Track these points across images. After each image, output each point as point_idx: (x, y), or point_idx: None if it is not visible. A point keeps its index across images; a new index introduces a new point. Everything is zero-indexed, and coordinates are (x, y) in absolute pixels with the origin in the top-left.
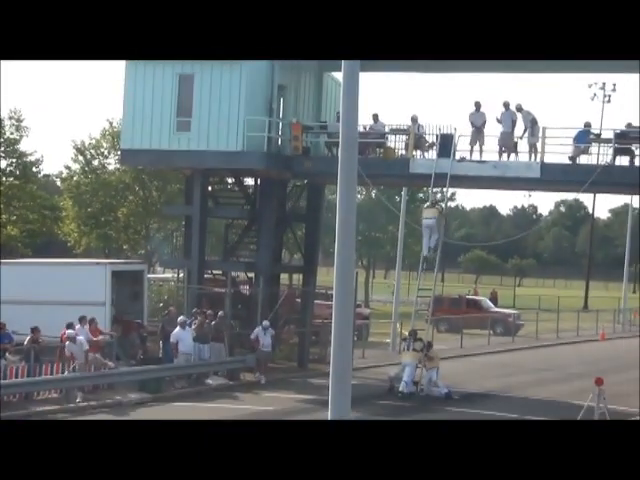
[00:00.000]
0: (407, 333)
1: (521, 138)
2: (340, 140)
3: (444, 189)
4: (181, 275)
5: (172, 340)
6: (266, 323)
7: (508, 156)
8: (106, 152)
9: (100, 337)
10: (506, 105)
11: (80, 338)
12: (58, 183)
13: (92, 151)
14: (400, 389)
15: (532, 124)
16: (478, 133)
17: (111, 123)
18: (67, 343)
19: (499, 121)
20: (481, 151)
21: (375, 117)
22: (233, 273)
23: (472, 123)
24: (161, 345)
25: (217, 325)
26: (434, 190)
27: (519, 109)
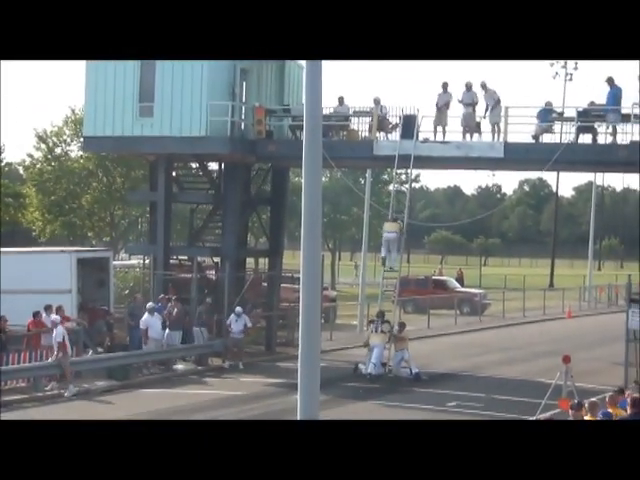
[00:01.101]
0: (375, 315)
1: (484, 117)
2: (304, 123)
3: (408, 170)
4: (147, 261)
5: (142, 326)
6: (238, 309)
7: (471, 136)
8: (69, 139)
9: (67, 325)
10: (468, 86)
11: (60, 327)
12: (21, 171)
13: (54, 139)
14: (368, 371)
15: (496, 103)
16: (440, 113)
17: (73, 110)
18: (55, 332)
19: (461, 101)
20: (444, 132)
21: (340, 100)
22: (199, 258)
23: (437, 104)
24: (128, 332)
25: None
26: (398, 171)
27: (483, 87)
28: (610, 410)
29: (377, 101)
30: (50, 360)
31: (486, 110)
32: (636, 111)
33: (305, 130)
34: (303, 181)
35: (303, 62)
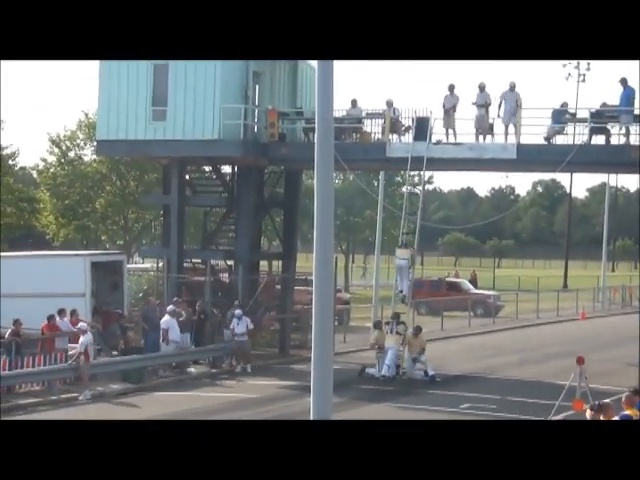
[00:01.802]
0: (390, 317)
1: (498, 116)
2: (316, 125)
3: (421, 172)
4: (160, 265)
5: (163, 326)
6: (238, 312)
7: (484, 138)
8: (82, 143)
9: (78, 325)
10: (481, 87)
11: (87, 335)
12: (35, 175)
13: (68, 143)
14: (382, 373)
15: (518, 106)
16: (448, 116)
17: (86, 114)
18: (82, 339)
19: (474, 103)
20: (455, 134)
21: (354, 102)
22: (212, 261)
23: (443, 106)
24: (142, 335)
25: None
26: (411, 173)
27: (512, 88)
28: (628, 412)
29: (390, 103)
30: (69, 363)
31: (498, 107)
32: None
33: (317, 132)
34: (315, 183)
35: (315, 64)
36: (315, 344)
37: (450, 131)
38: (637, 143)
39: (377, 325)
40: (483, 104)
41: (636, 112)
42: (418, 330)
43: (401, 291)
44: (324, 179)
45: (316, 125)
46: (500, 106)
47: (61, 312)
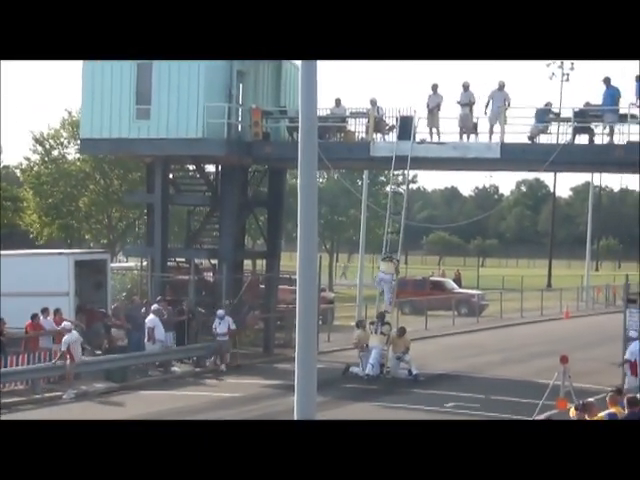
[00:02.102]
0: (375, 317)
1: (485, 114)
2: (300, 124)
3: (405, 171)
4: (144, 263)
5: (149, 325)
6: (220, 312)
7: (468, 137)
8: (66, 142)
9: (62, 325)
10: (465, 86)
11: (71, 334)
12: (18, 174)
13: (51, 141)
14: (366, 372)
15: (507, 105)
16: (432, 115)
17: (70, 113)
18: (65, 337)
19: (459, 102)
20: (438, 133)
21: (337, 101)
22: (196, 260)
23: (427, 105)
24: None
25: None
26: (395, 173)
27: (501, 87)
28: (613, 410)
29: (374, 102)
30: (53, 362)
31: (486, 106)
32: (632, 111)
33: (300, 131)
34: (299, 182)
35: (299, 63)
36: (299, 343)
37: (434, 130)
38: (621, 142)
39: (359, 324)
40: (467, 103)
41: (621, 111)
42: (402, 331)
43: (386, 312)
44: (308, 178)
45: (300, 124)
46: (488, 105)
47: (44, 311)
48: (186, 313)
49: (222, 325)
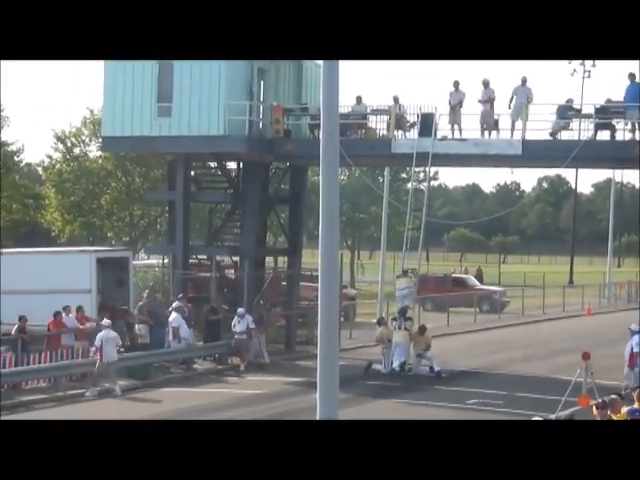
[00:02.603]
0: (396, 312)
1: (509, 107)
2: (321, 122)
3: (426, 168)
4: (166, 261)
5: (174, 325)
6: (241, 310)
7: (489, 134)
8: (87, 140)
9: (87, 325)
10: (485, 83)
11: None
12: (40, 172)
13: (73, 139)
14: (394, 366)
15: (529, 100)
16: (454, 112)
17: (92, 111)
18: (100, 334)
19: (480, 100)
20: (460, 130)
21: (358, 99)
22: (218, 257)
23: (449, 102)
24: (139, 330)
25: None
26: (416, 169)
27: (524, 83)
28: (637, 405)
29: (396, 99)
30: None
31: (510, 102)
32: None
33: (322, 128)
34: (321, 180)
35: (321, 61)
36: (321, 340)
37: (456, 127)
38: (634, 138)
39: (381, 322)
40: (487, 100)
41: None
42: (423, 329)
43: (407, 307)
44: (330, 175)
45: (321, 121)
46: (512, 100)
47: (66, 308)
48: (211, 311)
49: (242, 323)
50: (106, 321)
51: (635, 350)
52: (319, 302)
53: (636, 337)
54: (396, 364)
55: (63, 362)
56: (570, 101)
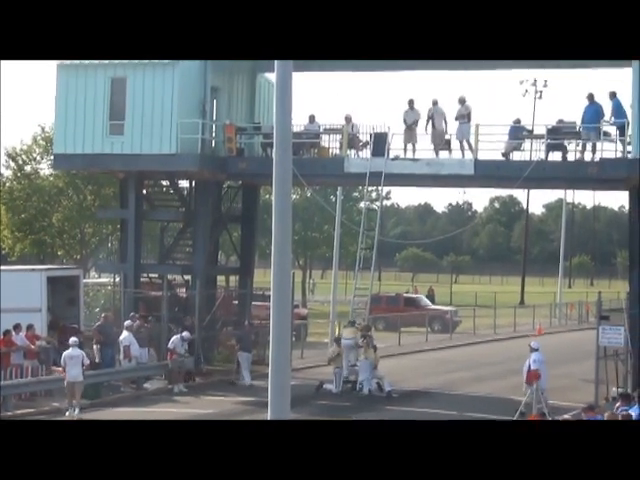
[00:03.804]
0: (361, 330)
1: (456, 118)
2: (274, 140)
3: (379, 187)
4: (117, 279)
5: (125, 343)
6: (186, 335)
7: (437, 153)
8: (38, 157)
9: (37, 343)
10: (434, 102)
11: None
12: None
13: (24, 157)
14: (367, 388)
15: (467, 119)
16: (410, 131)
17: (43, 128)
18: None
19: (430, 118)
20: (414, 149)
21: (311, 118)
22: (170, 276)
23: (404, 121)
24: (96, 350)
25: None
26: (369, 189)
27: (462, 101)
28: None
29: (348, 119)
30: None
31: (458, 119)
32: (606, 129)
33: (275, 147)
34: (273, 198)
35: (273, 79)
36: (273, 359)
37: (409, 147)
38: (594, 159)
39: (337, 340)
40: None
41: (605, 128)
42: (373, 348)
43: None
44: (282, 194)
45: (274, 140)
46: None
47: (17, 327)
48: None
49: (184, 345)
50: (72, 340)
51: (532, 367)
52: (271, 321)
53: (534, 354)
54: (366, 385)
55: (12, 381)
56: (517, 121)
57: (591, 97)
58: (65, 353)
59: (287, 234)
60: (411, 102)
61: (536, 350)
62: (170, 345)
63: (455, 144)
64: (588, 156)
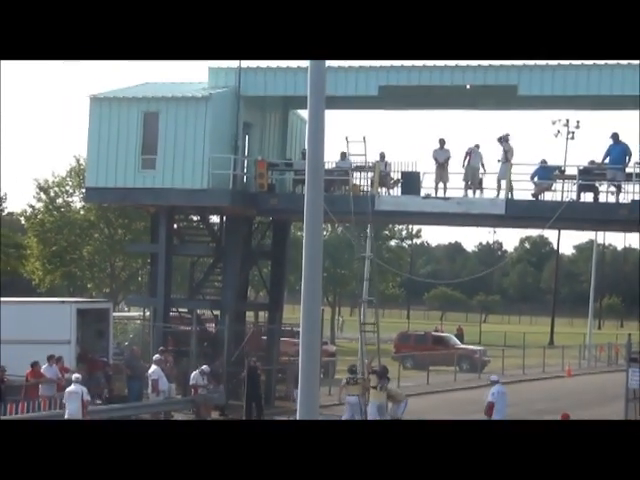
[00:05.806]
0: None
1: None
2: (306, 177)
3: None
4: (147, 313)
5: (154, 377)
6: (205, 368)
7: (474, 192)
8: (71, 190)
9: (66, 376)
10: (476, 145)
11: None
12: (22, 221)
13: (56, 189)
14: None
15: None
16: (442, 170)
17: (78, 160)
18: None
19: (468, 154)
20: (445, 188)
21: (343, 155)
22: (199, 311)
23: (435, 159)
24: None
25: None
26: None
27: (506, 139)
28: None
29: (382, 156)
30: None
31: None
32: (638, 170)
33: (307, 184)
34: (304, 235)
35: (305, 115)
36: (301, 396)
37: (440, 185)
38: (625, 201)
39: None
40: (476, 159)
41: (629, 170)
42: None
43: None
44: (313, 231)
45: (306, 177)
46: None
47: (50, 358)
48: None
49: (205, 379)
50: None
51: (490, 399)
52: (300, 357)
53: (494, 387)
54: None
55: (40, 412)
56: (543, 162)
57: (616, 137)
58: (66, 389)
59: (317, 270)
60: (442, 141)
61: (497, 382)
62: (192, 381)
63: (488, 183)
64: (620, 197)
